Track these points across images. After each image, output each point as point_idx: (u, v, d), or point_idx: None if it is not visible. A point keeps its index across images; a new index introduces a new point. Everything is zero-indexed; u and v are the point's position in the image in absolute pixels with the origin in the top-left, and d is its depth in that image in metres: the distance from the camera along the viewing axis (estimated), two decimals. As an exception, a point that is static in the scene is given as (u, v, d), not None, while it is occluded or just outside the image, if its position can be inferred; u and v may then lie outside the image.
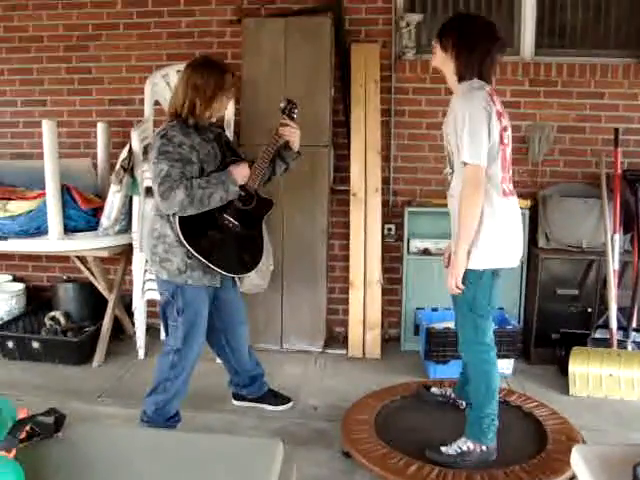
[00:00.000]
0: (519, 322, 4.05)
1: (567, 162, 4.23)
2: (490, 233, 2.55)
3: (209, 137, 2.86)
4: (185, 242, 2.71)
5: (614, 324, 3.67)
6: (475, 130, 2.45)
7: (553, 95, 4.18)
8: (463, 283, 2.56)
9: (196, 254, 2.72)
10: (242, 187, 2.85)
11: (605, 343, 3.69)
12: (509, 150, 2.63)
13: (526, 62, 4.18)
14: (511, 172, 2.68)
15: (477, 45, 2.54)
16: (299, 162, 3.17)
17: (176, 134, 2.72)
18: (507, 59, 4.15)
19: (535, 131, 4.12)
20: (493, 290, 2.65)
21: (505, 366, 3.73)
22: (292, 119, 2.98)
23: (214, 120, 2.95)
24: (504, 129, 2.57)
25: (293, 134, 2.97)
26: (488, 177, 2.52)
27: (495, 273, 2.63)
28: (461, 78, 2.57)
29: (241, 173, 2.81)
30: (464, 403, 3.06)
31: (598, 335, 3.77)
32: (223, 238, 2.83)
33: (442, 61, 2.61)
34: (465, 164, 2.48)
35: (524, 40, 4.22)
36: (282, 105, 3.00)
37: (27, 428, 1.61)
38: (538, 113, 4.18)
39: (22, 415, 1.65)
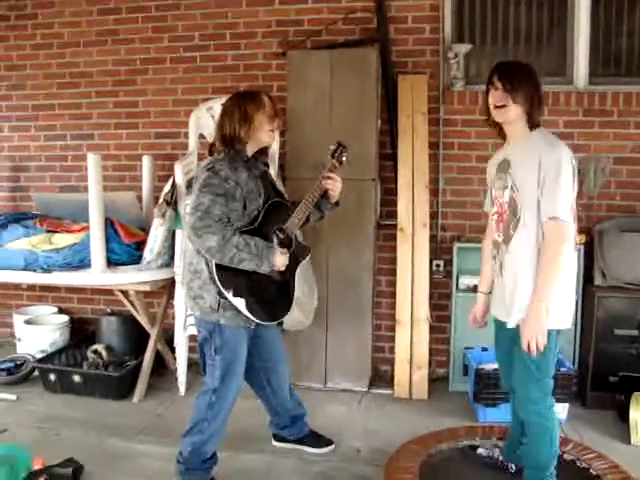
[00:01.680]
0: (574, 364, 3.85)
1: (624, 195, 4.05)
2: (565, 290, 2.52)
3: (255, 174, 2.80)
4: (218, 281, 2.64)
5: (677, 368, 3.46)
6: (567, 185, 2.41)
7: (609, 125, 4.02)
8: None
9: (227, 295, 2.65)
10: (282, 231, 2.79)
11: (668, 388, 3.47)
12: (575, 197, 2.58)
13: (580, 92, 4.03)
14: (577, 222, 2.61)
15: (540, 92, 2.58)
16: (335, 211, 3.09)
17: (223, 168, 2.67)
18: (560, 89, 4.03)
19: (590, 163, 3.94)
20: (557, 345, 2.56)
21: (559, 411, 3.51)
22: (340, 163, 2.94)
23: (261, 147, 2.87)
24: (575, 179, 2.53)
25: (334, 187, 2.91)
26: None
27: (560, 332, 2.55)
28: (533, 127, 2.57)
29: (282, 261, 2.72)
30: (514, 466, 2.90)
31: (661, 379, 3.54)
32: (258, 282, 2.74)
33: (516, 116, 2.56)
34: (554, 219, 2.40)
35: (577, 69, 4.08)
36: (332, 148, 2.95)
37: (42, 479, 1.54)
38: (593, 144, 4.02)
39: (37, 465, 1.57)
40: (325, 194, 2.94)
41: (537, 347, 2.42)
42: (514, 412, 2.85)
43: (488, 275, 2.84)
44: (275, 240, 2.76)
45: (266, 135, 2.82)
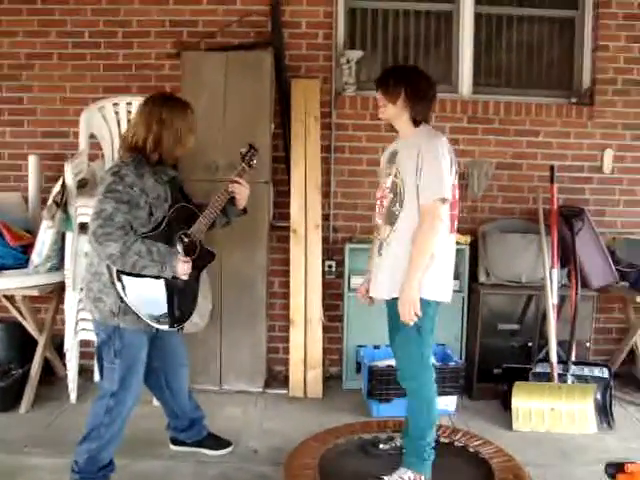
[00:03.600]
0: (461, 358, 4.04)
1: (505, 198, 4.31)
2: (440, 267, 2.73)
3: (162, 179, 2.74)
4: (118, 285, 2.59)
5: (554, 358, 3.70)
6: (441, 171, 2.65)
7: (491, 132, 4.27)
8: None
9: (127, 300, 2.60)
10: (187, 236, 2.77)
11: (546, 377, 3.71)
12: (457, 191, 2.83)
13: (464, 100, 4.25)
14: (457, 211, 2.85)
15: (425, 93, 2.79)
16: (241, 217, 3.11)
17: (129, 174, 2.60)
18: (446, 96, 4.23)
19: (474, 168, 4.18)
20: (435, 321, 2.79)
21: (448, 403, 3.70)
22: (250, 166, 2.97)
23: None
24: (456, 172, 2.79)
25: (242, 192, 2.92)
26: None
27: (437, 304, 2.77)
28: (417, 123, 2.80)
29: (184, 270, 2.68)
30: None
31: (539, 369, 3.77)
32: (159, 286, 2.70)
33: (394, 113, 2.81)
34: (431, 199, 2.64)
35: (462, 78, 4.31)
36: (243, 151, 2.97)
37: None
38: (477, 150, 4.25)
39: None
40: (232, 200, 2.94)
41: (413, 316, 2.63)
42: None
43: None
44: (179, 245, 2.74)
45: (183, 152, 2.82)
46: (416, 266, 2.64)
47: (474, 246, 4.10)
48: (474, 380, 3.98)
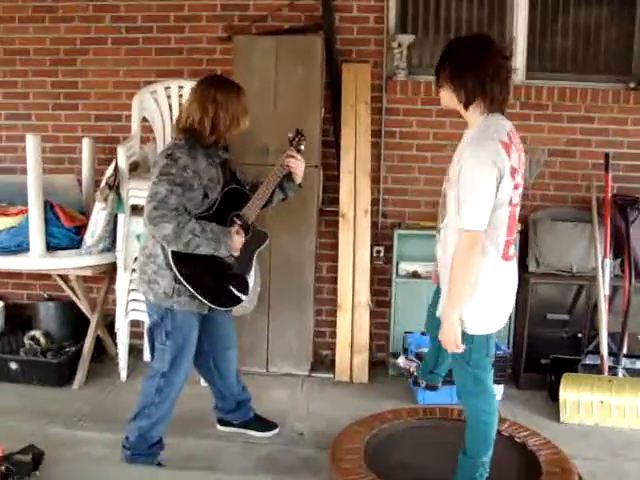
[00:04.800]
0: (508, 347, 4.00)
1: (557, 186, 4.22)
2: (487, 299, 2.40)
3: (215, 161, 2.78)
4: (174, 266, 2.63)
5: (605, 350, 3.64)
6: (480, 194, 2.22)
7: (544, 119, 4.17)
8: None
9: (183, 280, 2.64)
10: (239, 217, 2.79)
11: (596, 369, 3.65)
12: (517, 209, 2.42)
13: (517, 85, 4.16)
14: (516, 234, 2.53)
15: (470, 67, 2.27)
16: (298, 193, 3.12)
17: (182, 156, 2.63)
18: (498, 82, 4.14)
19: (526, 154, 4.09)
20: (487, 347, 2.48)
21: (495, 391, 3.67)
22: (299, 151, 2.96)
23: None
24: (515, 187, 2.31)
25: (299, 166, 2.93)
26: (490, 240, 2.32)
27: (489, 336, 2.49)
28: (467, 105, 2.32)
29: (239, 244, 2.72)
30: (424, 383, 2.97)
31: (589, 361, 3.73)
32: (214, 267, 2.74)
33: (447, 99, 2.39)
34: (463, 229, 2.28)
35: (515, 63, 4.19)
36: (290, 135, 2.97)
37: (2, 468, 1.51)
38: (529, 136, 4.16)
39: (-5, 452, 1.55)
40: (288, 176, 2.95)
41: (455, 348, 2.39)
42: (433, 341, 2.79)
43: None
44: (232, 227, 2.76)
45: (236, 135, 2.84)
46: (452, 298, 2.34)
47: (525, 234, 4.04)
48: (521, 370, 3.94)
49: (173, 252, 2.63)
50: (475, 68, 2.26)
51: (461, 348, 2.38)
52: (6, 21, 4.43)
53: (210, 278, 2.74)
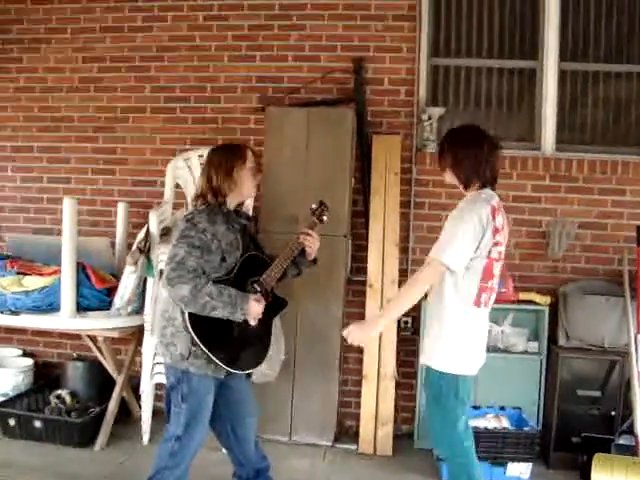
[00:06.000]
0: (537, 423, 3.88)
1: (589, 259, 4.17)
2: (455, 340, 2.63)
3: (234, 227, 2.84)
4: (191, 329, 2.66)
5: (639, 430, 3.50)
6: (455, 237, 2.55)
7: (574, 191, 4.17)
8: (429, 378, 2.71)
9: (200, 343, 2.66)
10: (258, 283, 2.83)
11: (630, 450, 3.51)
12: (498, 264, 2.69)
13: (547, 157, 4.18)
14: (495, 285, 2.73)
15: (465, 155, 2.69)
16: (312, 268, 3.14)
17: (201, 220, 2.72)
18: (527, 154, 4.19)
19: (555, 227, 4.07)
20: (460, 390, 2.65)
21: (523, 470, 3.56)
22: (321, 221, 3.00)
23: (242, 200, 2.99)
24: (495, 244, 2.63)
25: (312, 244, 2.96)
26: (465, 285, 2.61)
27: (459, 378, 2.66)
28: (466, 186, 2.73)
29: (256, 311, 2.75)
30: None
31: (622, 441, 3.60)
32: (232, 331, 2.76)
33: (450, 179, 2.79)
34: (430, 255, 2.60)
35: (545, 136, 4.24)
36: (314, 207, 3.02)
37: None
38: (559, 208, 4.15)
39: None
40: (302, 251, 2.98)
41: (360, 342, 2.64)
42: None
43: None
44: (251, 292, 2.79)
45: (249, 188, 2.91)
46: (391, 308, 2.73)
47: (554, 307, 3.97)
48: (551, 448, 3.80)
49: (190, 315, 2.66)
50: (471, 158, 2.68)
51: (360, 343, 2.65)
52: (55, 91, 4.69)
53: (227, 342, 2.75)
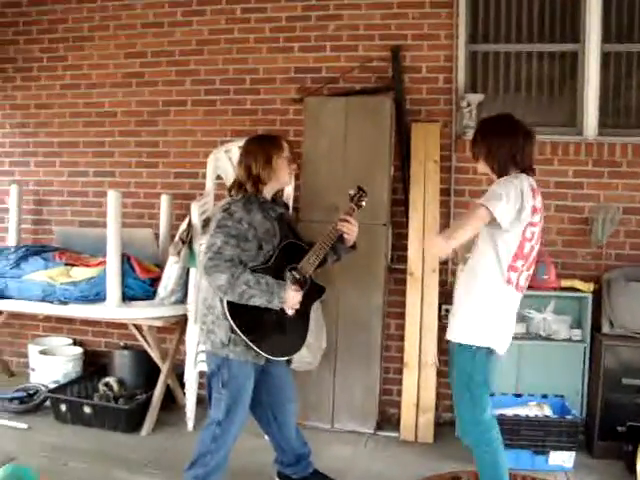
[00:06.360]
0: (582, 412, 3.83)
1: (633, 245, 4.08)
2: (488, 313, 2.68)
3: (271, 215, 2.88)
4: (229, 317, 2.71)
5: (685, 419, 3.44)
6: (505, 200, 2.53)
7: (618, 176, 4.08)
8: (458, 359, 2.74)
9: (238, 331, 2.71)
10: (296, 270, 2.86)
11: (677, 440, 3.44)
12: (529, 245, 2.69)
13: (589, 142, 4.10)
14: (530, 269, 2.74)
15: (500, 144, 2.70)
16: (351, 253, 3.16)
17: (238, 210, 2.77)
18: (569, 139, 4.12)
19: (599, 212, 4.00)
20: (488, 369, 2.71)
21: (565, 459, 3.52)
22: (359, 207, 3.03)
23: (280, 188, 3.04)
24: (531, 224, 2.64)
25: (351, 230, 2.98)
26: (498, 258, 2.64)
27: (489, 352, 2.69)
28: (500, 175, 2.71)
29: (294, 299, 2.77)
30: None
31: (668, 430, 3.52)
32: (270, 318, 2.80)
33: (483, 169, 2.82)
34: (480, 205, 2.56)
35: (587, 120, 4.16)
36: (351, 193, 3.04)
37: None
38: (602, 194, 4.08)
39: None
40: (341, 237, 3.00)
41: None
42: None
43: None
44: (289, 279, 2.83)
45: (285, 177, 2.97)
46: (446, 232, 2.71)
47: (598, 294, 3.91)
48: (595, 437, 3.74)
49: (229, 303, 2.71)
50: (506, 147, 2.69)
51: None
52: (99, 87, 4.82)
53: (266, 329, 2.79)
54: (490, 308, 2.68)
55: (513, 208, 2.55)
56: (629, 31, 4.18)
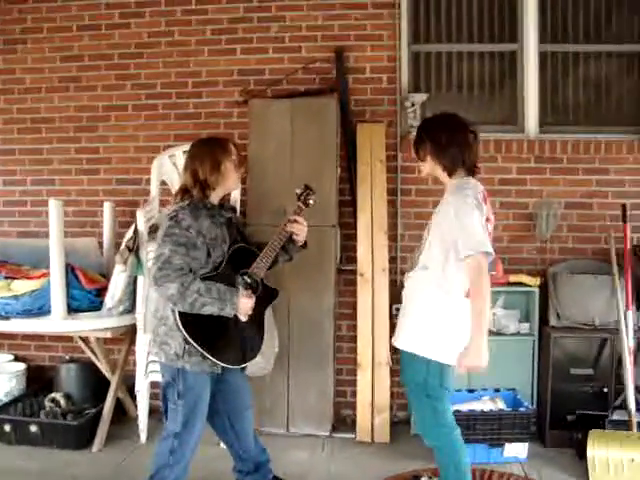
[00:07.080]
0: (532, 404, 3.92)
1: (576, 238, 4.20)
2: (446, 330, 2.63)
3: (219, 221, 2.83)
4: (182, 328, 2.65)
5: (632, 405, 3.55)
6: (473, 225, 2.52)
7: (559, 172, 4.20)
8: (412, 367, 2.69)
9: (192, 342, 2.65)
10: (247, 275, 2.82)
11: (624, 425, 3.55)
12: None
13: (531, 139, 4.21)
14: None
15: (450, 141, 2.68)
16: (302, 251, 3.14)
17: (185, 217, 2.70)
18: (512, 137, 4.21)
19: (542, 208, 4.10)
20: (444, 372, 2.66)
21: (519, 451, 3.59)
22: (307, 205, 3.00)
23: (227, 192, 2.98)
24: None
25: (300, 230, 2.96)
26: (456, 279, 2.60)
27: (442, 365, 2.66)
28: (450, 174, 2.71)
29: (246, 305, 2.73)
30: None
31: (616, 417, 3.63)
32: (224, 326, 2.75)
33: (430, 169, 2.78)
34: (466, 257, 2.51)
35: (528, 118, 4.26)
36: (298, 191, 3.01)
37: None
38: (545, 189, 4.18)
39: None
40: (291, 238, 2.98)
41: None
42: None
43: None
44: (241, 284, 2.78)
45: (233, 181, 2.90)
46: (477, 329, 2.51)
47: (544, 288, 4.00)
48: (546, 427, 3.84)
49: (181, 313, 2.65)
50: (456, 144, 2.68)
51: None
52: (33, 92, 4.63)
53: (220, 338, 2.74)
54: (452, 326, 2.62)
55: (482, 225, 2.55)
56: (564, 31, 4.31)
